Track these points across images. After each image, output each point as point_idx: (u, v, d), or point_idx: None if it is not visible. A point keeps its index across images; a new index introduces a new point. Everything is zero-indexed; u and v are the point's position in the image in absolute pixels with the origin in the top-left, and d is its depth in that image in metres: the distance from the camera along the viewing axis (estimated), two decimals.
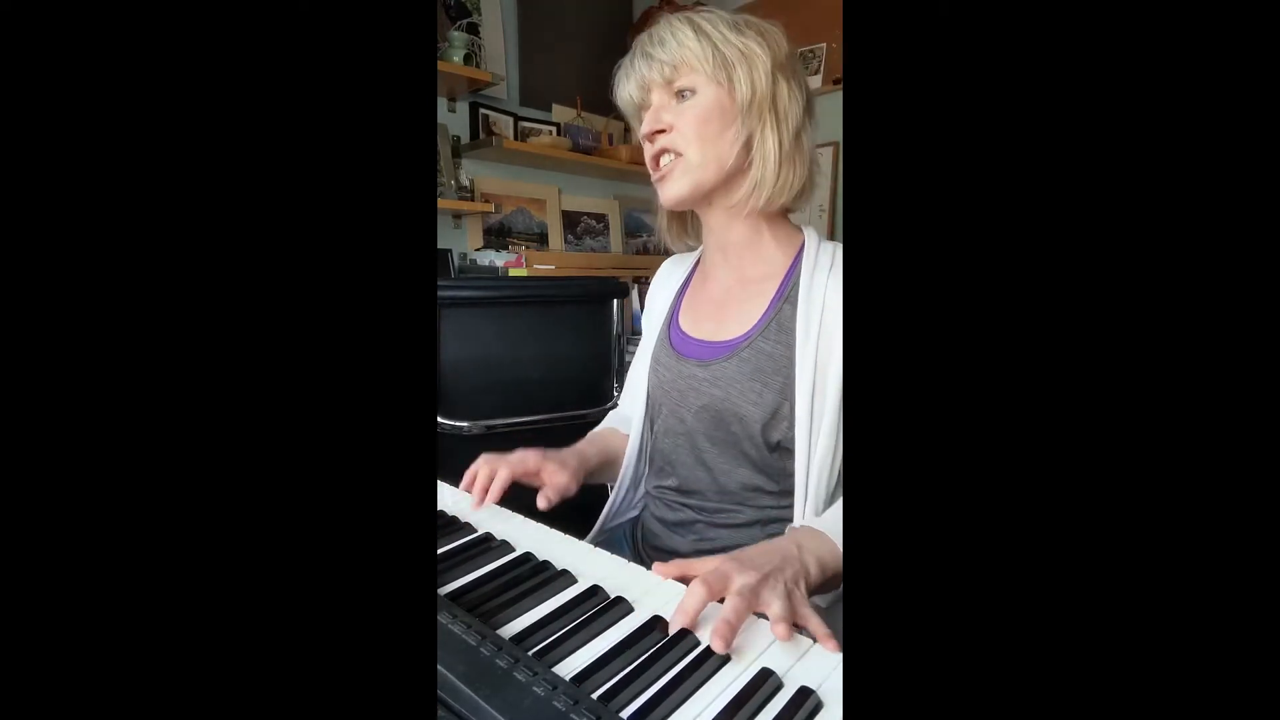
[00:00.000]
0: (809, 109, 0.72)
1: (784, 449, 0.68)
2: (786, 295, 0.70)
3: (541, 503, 0.66)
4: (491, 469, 0.66)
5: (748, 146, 0.69)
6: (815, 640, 0.43)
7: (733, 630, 0.42)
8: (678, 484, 0.76)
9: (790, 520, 0.67)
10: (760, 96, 0.67)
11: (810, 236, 0.74)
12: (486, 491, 0.66)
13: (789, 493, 0.68)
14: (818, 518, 0.64)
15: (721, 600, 0.45)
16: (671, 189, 0.70)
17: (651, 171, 0.72)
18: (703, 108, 0.67)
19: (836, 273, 0.69)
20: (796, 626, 0.45)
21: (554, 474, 0.69)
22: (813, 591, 0.52)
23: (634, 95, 0.72)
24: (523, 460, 0.68)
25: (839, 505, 0.65)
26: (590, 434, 0.86)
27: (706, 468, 0.73)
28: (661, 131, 0.69)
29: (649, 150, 0.71)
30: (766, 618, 0.45)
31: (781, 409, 0.67)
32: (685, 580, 0.49)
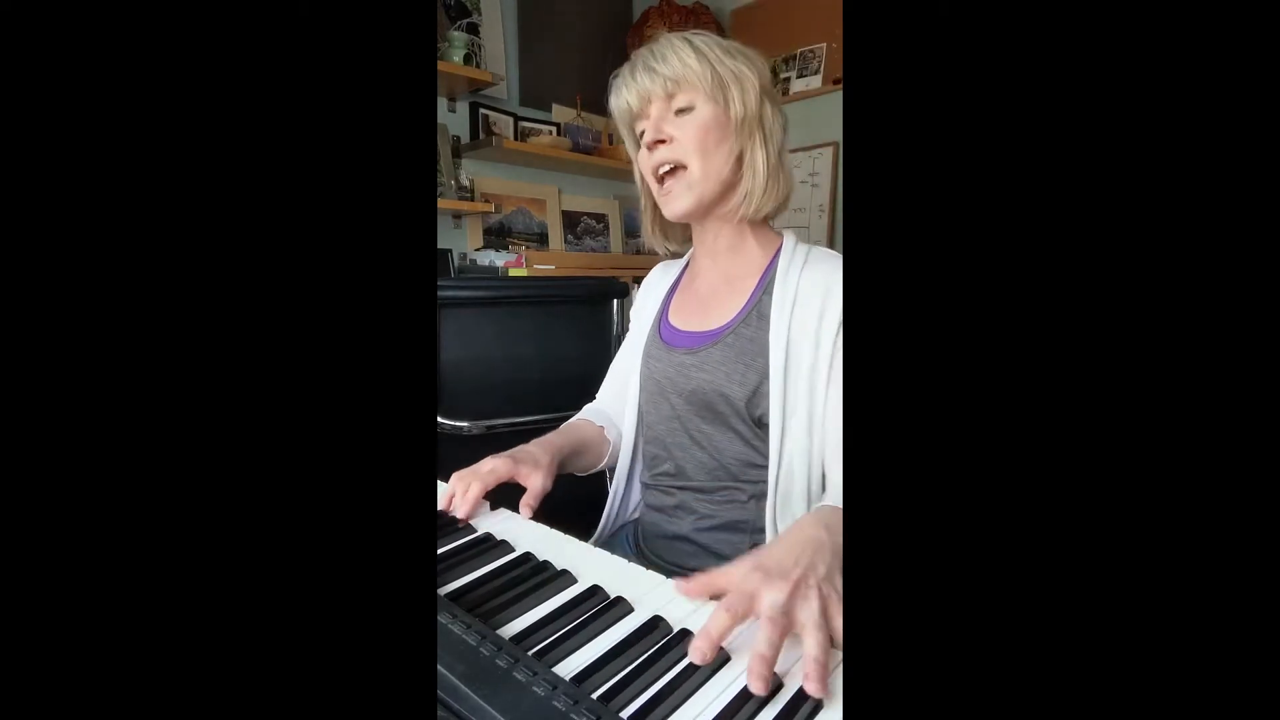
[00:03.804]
0: (786, 129, 0.79)
1: (767, 425, 0.71)
2: (766, 287, 0.75)
3: (524, 512, 0.67)
4: (465, 485, 0.66)
5: (739, 161, 0.74)
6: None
7: (769, 665, 0.38)
8: (674, 468, 0.79)
9: (780, 492, 0.70)
10: (751, 115, 0.73)
11: (788, 237, 0.79)
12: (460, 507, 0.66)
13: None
14: (835, 496, 0.65)
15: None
16: (677, 205, 0.75)
17: (654, 186, 0.77)
18: (702, 122, 0.72)
19: (810, 267, 0.74)
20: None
21: (528, 476, 0.70)
22: None
23: (632, 104, 0.76)
24: (493, 472, 0.68)
25: None
26: (561, 426, 0.88)
27: (701, 446, 0.76)
28: (663, 142, 0.73)
29: (649, 161, 0.75)
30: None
31: (762, 387, 0.71)
32: (716, 596, 0.46)
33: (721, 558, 0.73)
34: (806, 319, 0.70)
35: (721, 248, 0.79)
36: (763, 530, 0.71)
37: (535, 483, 0.70)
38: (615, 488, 0.86)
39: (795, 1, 2.46)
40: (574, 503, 0.82)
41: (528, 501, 0.68)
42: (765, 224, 0.81)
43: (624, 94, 0.76)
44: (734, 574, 0.46)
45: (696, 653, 0.40)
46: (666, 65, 0.72)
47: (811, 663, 0.39)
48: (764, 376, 0.71)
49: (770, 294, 0.74)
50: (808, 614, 0.42)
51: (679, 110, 0.73)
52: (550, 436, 0.81)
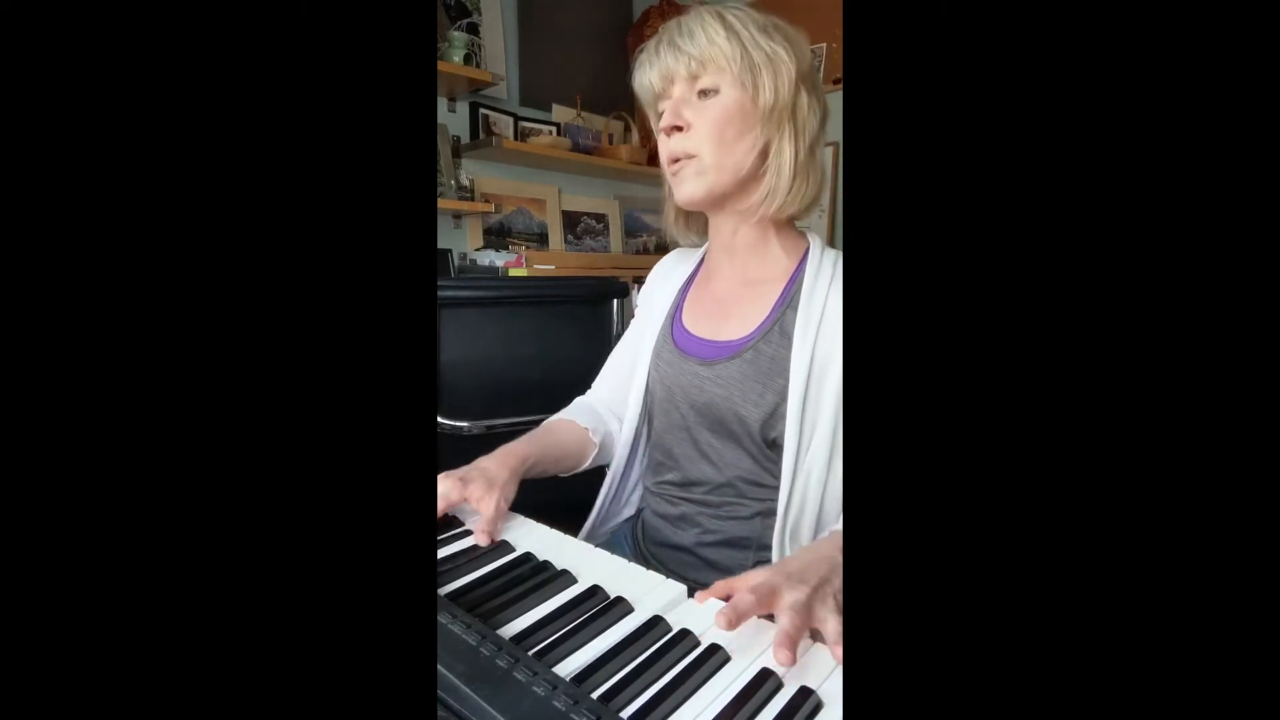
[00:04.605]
0: (824, 121, 0.72)
1: (780, 446, 0.68)
2: (790, 300, 0.71)
3: (481, 540, 0.60)
4: None
5: (763, 154, 0.68)
6: None
7: (793, 643, 0.41)
8: (680, 478, 0.76)
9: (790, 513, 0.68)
10: (782, 105, 0.67)
11: (815, 243, 0.74)
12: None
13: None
14: None
15: (770, 616, 0.45)
16: (685, 190, 0.70)
17: (666, 168, 0.72)
18: (724, 109, 0.67)
19: (839, 280, 0.70)
20: None
21: (480, 499, 0.63)
22: None
23: (654, 84, 0.71)
24: (444, 497, 0.62)
25: None
26: (540, 427, 0.82)
27: (709, 460, 0.74)
28: (679, 129, 0.68)
29: (664, 146, 0.70)
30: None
31: (780, 409, 0.67)
32: (728, 598, 0.47)
33: (724, 572, 0.72)
34: (834, 338, 0.67)
35: (740, 246, 0.74)
36: (768, 548, 0.69)
37: (487, 508, 0.62)
38: (609, 483, 0.83)
39: (795, 1, 2.46)
40: (574, 503, 0.82)
41: (482, 528, 0.61)
42: (790, 224, 0.76)
43: (647, 71, 0.71)
44: (757, 575, 0.48)
45: (723, 619, 0.42)
46: (693, 43, 0.66)
47: (832, 643, 0.43)
48: (782, 398, 0.67)
49: (795, 309, 0.69)
50: (825, 611, 0.45)
51: (702, 91, 0.67)
52: (518, 444, 0.74)
